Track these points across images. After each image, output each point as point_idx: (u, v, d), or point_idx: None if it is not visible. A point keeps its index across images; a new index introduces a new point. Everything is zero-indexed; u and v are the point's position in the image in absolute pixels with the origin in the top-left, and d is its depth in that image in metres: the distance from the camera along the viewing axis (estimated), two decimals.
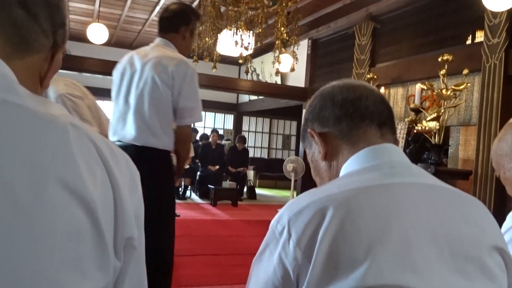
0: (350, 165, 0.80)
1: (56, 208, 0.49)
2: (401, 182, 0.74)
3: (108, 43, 7.85)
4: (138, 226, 0.59)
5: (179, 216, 5.77)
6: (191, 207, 7.37)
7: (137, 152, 2.06)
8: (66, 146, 0.51)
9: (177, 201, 7.72)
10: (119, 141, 2.19)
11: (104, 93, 10.51)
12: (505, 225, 1.13)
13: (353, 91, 0.84)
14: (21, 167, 0.48)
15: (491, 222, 0.77)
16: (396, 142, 0.85)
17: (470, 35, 4.88)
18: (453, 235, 0.70)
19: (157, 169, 2.13)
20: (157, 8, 7.03)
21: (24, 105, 0.51)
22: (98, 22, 6.80)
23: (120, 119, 2.22)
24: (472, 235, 0.72)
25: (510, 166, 1.14)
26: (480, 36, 4.68)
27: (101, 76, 7.82)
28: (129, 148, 2.08)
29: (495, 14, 4.30)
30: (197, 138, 9.28)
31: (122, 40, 9.57)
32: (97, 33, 6.41)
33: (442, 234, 0.69)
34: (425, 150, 4.52)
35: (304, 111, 0.84)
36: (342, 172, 0.81)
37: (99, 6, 6.95)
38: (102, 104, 11.04)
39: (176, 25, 2.24)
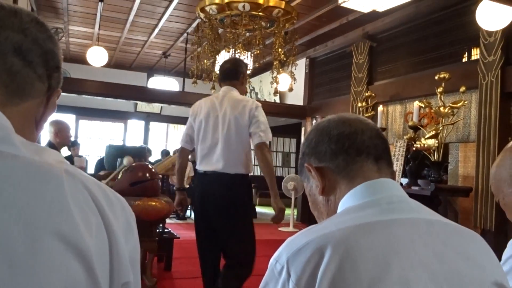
0: (347, 201, 0.80)
1: (52, 262, 0.49)
2: (399, 218, 0.74)
3: (107, 65, 7.91)
4: (134, 270, 0.59)
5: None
6: (191, 227, 7.30)
7: (231, 179, 2.62)
8: (61, 196, 0.52)
9: (177, 221, 7.70)
10: (213, 171, 2.68)
11: (104, 115, 10.58)
12: (506, 254, 1.12)
13: (348, 125, 0.84)
14: (16, 221, 0.48)
15: (490, 258, 0.77)
16: (393, 174, 0.85)
17: (466, 53, 4.93)
18: (453, 274, 0.70)
19: (248, 190, 2.82)
20: (156, 30, 7.11)
21: (19, 156, 0.52)
22: (98, 44, 6.87)
23: (210, 153, 2.70)
24: (472, 274, 0.71)
25: (509, 192, 1.15)
26: (476, 54, 4.73)
27: (101, 98, 7.87)
28: (224, 177, 2.62)
29: (490, 33, 4.36)
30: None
31: (121, 62, 9.65)
32: (97, 56, 6.47)
33: (441, 273, 0.69)
34: (425, 167, 4.53)
35: (301, 141, 0.84)
36: (339, 208, 0.81)
37: (99, 29, 7.03)
38: (101, 125, 11.04)
39: (237, 74, 2.85)
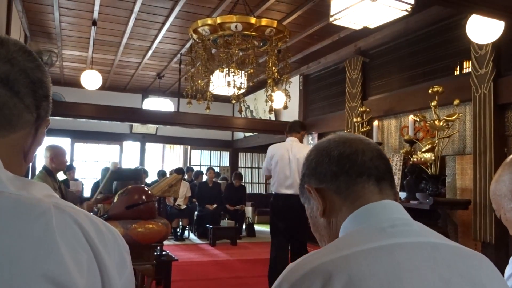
0: (349, 224, 0.78)
1: None
2: (403, 243, 0.72)
3: (102, 87, 7.92)
4: None
5: None
6: (189, 248, 7.25)
7: (299, 198, 3.51)
8: (50, 235, 0.50)
9: (175, 242, 7.62)
10: (291, 194, 4.10)
11: (99, 137, 10.57)
12: (508, 271, 1.10)
13: (349, 146, 0.83)
14: (2, 262, 0.46)
15: (497, 280, 0.75)
16: (395, 195, 0.83)
17: (458, 66, 4.97)
18: None
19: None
20: (150, 52, 7.15)
21: (5, 192, 0.50)
22: (92, 68, 6.89)
23: (287, 179, 4.15)
24: None
25: (510, 207, 1.13)
26: (468, 67, 4.77)
27: (96, 120, 7.86)
28: (296, 197, 3.26)
29: (481, 46, 4.40)
30: (192, 177, 9.23)
31: (116, 84, 9.68)
32: (91, 79, 6.48)
33: None
34: (422, 181, 4.52)
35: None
36: (341, 231, 0.79)
37: (92, 52, 7.06)
38: (98, 147, 11.01)
39: (299, 129, 4.51)
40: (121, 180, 4.07)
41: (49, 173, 3.37)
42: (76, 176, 7.62)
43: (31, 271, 0.47)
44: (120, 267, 0.56)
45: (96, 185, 6.91)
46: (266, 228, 10.19)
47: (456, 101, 4.34)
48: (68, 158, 8.32)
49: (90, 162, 10.34)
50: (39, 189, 0.55)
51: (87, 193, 7.24)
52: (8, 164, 0.54)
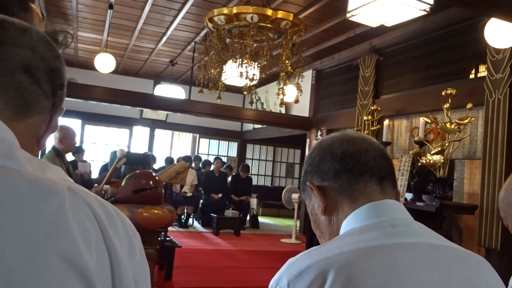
0: (350, 223, 0.78)
1: (52, 281, 0.48)
2: (403, 243, 0.72)
3: (115, 71, 7.96)
4: None
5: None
6: (193, 236, 7.30)
7: None
8: (63, 215, 0.51)
9: (179, 229, 7.68)
10: None
11: (110, 120, 10.65)
12: None
13: (352, 145, 0.82)
14: (16, 239, 0.48)
15: (496, 284, 0.75)
16: (397, 195, 0.83)
17: (473, 70, 4.92)
18: None
19: None
20: (164, 38, 7.15)
21: (22, 171, 0.52)
22: (106, 51, 6.92)
23: None
24: None
25: None
26: (483, 71, 4.71)
27: (107, 104, 7.91)
28: None
29: (498, 50, 4.34)
30: (200, 165, 9.28)
31: (128, 69, 9.71)
32: (105, 62, 6.51)
33: None
34: (430, 183, 4.50)
35: (305, 156, 0.82)
36: (342, 229, 0.79)
37: (107, 36, 7.08)
38: (108, 130, 11.11)
39: None
40: (129, 164, 4.09)
41: (57, 153, 3.40)
42: (84, 158, 7.68)
43: (44, 248, 0.48)
44: (130, 252, 0.57)
45: (104, 168, 6.97)
46: (270, 220, 10.23)
47: (469, 105, 4.30)
48: (78, 139, 8.39)
49: (100, 145, 10.42)
50: (54, 172, 0.57)
51: (95, 175, 7.30)
52: (23, 147, 0.56)
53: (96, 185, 3.92)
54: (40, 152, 0.68)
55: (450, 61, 5.17)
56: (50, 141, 3.52)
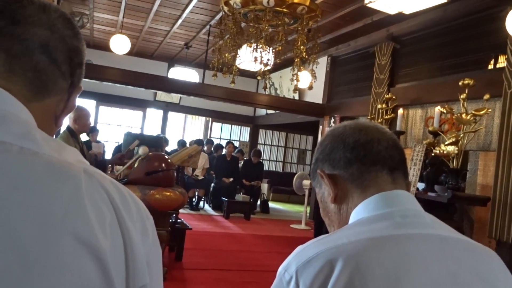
0: (360, 212, 0.78)
1: (66, 261, 0.48)
2: (412, 234, 0.72)
3: (129, 53, 7.98)
4: (151, 274, 0.58)
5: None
6: (203, 218, 7.38)
7: None
8: (79, 196, 0.52)
9: (190, 212, 7.76)
10: None
11: (124, 102, 10.72)
12: None
13: (365, 134, 0.82)
14: (32, 220, 0.48)
15: (505, 277, 0.75)
16: (408, 186, 0.83)
17: (492, 60, 4.82)
18: None
19: None
20: (179, 21, 7.13)
21: (40, 153, 0.52)
22: (121, 32, 6.93)
23: None
24: None
25: None
26: (502, 62, 4.62)
27: (121, 85, 7.95)
28: None
29: None
30: (212, 149, 9.31)
31: (143, 51, 9.72)
32: (120, 43, 6.53)
33: None
34: (443, 173, 4.47)
35: (317, 145, 0.81)
36: (351, 218, 0.79)
37: (123, 17, 7.08)
38: (121, 112, 11.18)
39: None
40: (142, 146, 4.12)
41: (72, 133, 3.44)
42: (98, 138, 7.76)
43: (59, 229, 0.49)
44: (144, 235, 0.58)
45: (117, 149, 7.04)
46: (280, 206, 10.27)
47: (487, 96, 4.23)
48: (92, 120, 8.47)
49: (113, 126, 10.52)
50: (70, 154, 0.57)
51: (108, 155, 7.39)
52: (41, 127, 0.57)
53: (111, 170, 3.95)
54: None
55: (468, 51, 5.07)
56: (65, 121, 3.56)
